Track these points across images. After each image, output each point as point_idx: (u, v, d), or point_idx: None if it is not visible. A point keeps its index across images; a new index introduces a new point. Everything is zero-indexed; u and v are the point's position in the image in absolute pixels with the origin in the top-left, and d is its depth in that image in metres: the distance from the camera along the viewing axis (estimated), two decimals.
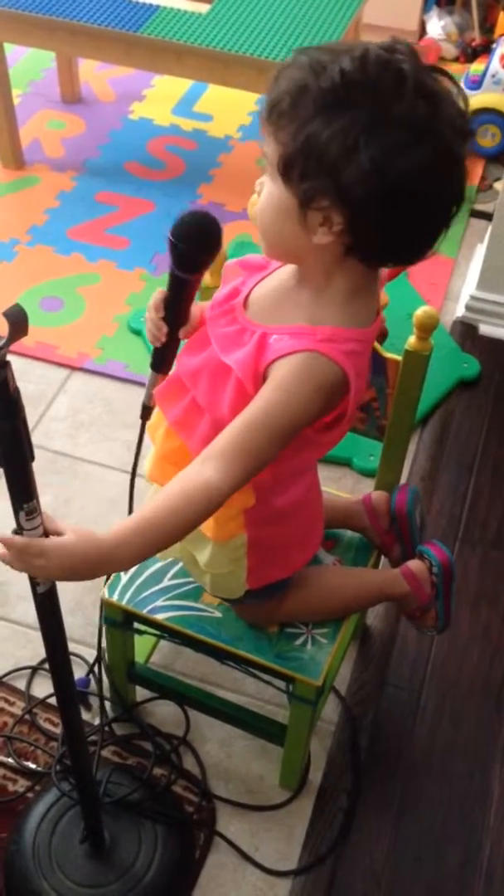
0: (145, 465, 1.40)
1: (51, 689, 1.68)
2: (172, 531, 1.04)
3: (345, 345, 1.07)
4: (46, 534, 1.00)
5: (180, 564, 1.47)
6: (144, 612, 1.42)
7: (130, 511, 1.38)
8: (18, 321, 0.80)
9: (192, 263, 1.14)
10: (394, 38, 0.97)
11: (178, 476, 1.06)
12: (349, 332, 1.07)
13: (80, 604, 1.80)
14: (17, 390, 0.85)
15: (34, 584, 1.05)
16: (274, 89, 0.99)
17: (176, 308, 1.19)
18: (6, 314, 0.80)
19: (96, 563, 1.01)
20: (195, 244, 1.12)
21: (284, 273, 1.13)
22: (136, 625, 1.48)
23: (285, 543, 1.34)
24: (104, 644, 1.54)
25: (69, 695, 1.22)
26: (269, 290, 1.14)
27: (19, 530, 0.98)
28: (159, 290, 1.20)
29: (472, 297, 2.46)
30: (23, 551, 0.98)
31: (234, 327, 1.13)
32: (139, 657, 1.65)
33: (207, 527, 1.23)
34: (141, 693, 1.68)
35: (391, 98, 0.94)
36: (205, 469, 1.04)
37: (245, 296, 1.15)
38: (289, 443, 1.08)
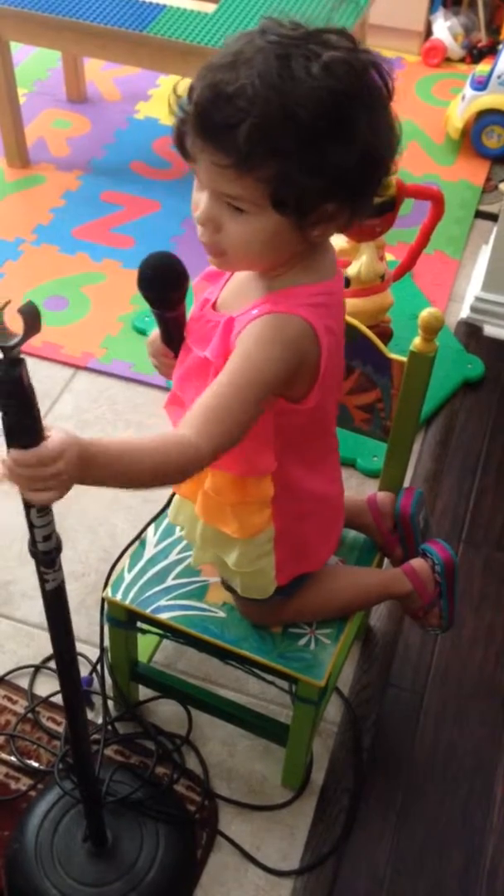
0: None
1: (53, 688, 1.69)
2: (147, 470, 0.99)
3: (304, 299, 1.07)
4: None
5: (185, 564, 1.47)
6: (148, 611, 1.42)
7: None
8: (32, 318, 0.81)
9: (168, 303, 1.18)
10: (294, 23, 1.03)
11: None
12: (308, 288, 1.08)
13: (83, 602, 1.80)
14: (31, 387, 0.85)
15: (44, 579, 1.05)
16: (214, 115, 0.99)
17: (177, 341, 1.23)
18: (21, 311, 0.80)
19: (87, 461, 0.91)
20: (161, 288, 1.16)
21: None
22: (139, 624, 1.49)
23: (311, 536, 1.35)
24: (107, 643, 1.54)
25: (75, 693, 1.22)
26: (234, 287, 1.16)
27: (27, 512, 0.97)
28: (153, 333, 1.24)
29: (477, 298, 2.46)
30: (39, 463, 0.86)
31: (207, 327, 1.16)
32: (142, 656, 1.65)
33: (233, 528, 1.24)
34: (144, 692, 1.68)
35: (360, 94, 0.97)
36: (181, 430, 1.04)
37: (214, 301, 1.18)
38: (263, 405, 1.08)
